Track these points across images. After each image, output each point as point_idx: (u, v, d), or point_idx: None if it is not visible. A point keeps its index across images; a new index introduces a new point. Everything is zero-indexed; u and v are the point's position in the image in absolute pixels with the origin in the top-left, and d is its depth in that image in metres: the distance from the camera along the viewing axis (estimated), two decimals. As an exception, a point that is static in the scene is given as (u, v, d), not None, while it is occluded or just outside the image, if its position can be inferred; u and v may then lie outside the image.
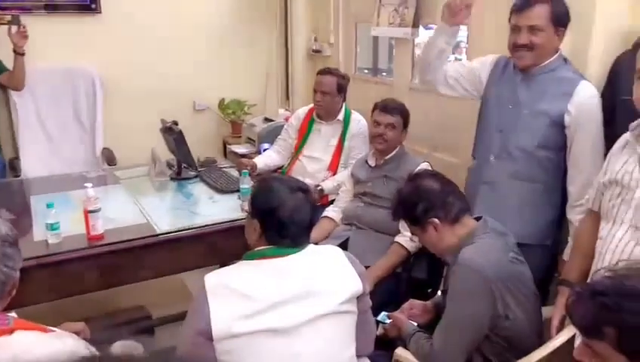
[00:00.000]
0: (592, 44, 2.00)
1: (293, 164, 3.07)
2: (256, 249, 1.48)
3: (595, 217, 1.57)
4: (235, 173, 2.96)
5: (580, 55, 2.02)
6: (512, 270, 1.60)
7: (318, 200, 2.83)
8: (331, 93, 2.94)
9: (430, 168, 2.39)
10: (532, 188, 1.94)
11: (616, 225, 1.44)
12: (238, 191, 2.58)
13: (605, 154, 1.78)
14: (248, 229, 1.52)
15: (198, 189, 2.77)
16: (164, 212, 2.48)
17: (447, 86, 2.20)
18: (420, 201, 1.68)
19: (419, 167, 2.36)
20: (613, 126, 1.86)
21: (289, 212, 1.43)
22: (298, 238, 1.46)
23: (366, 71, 3.93)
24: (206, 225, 2.31)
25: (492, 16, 2.46)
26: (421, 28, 3.11)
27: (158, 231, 2.23)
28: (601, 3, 1.96)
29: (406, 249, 2.29)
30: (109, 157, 3.59)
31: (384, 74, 3.75)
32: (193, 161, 2.90)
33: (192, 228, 2.28)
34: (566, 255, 1.87)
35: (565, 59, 1.93)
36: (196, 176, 2.89)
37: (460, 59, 3.37)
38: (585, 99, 1.83)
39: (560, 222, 2.01)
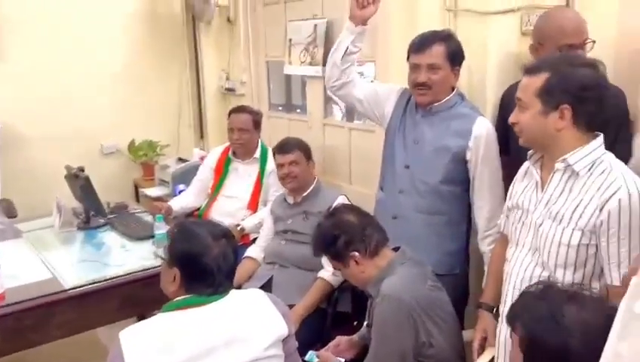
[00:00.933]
0: (488, 77, 2.14)
1: (211, 205, 3.01)
2: (175, 299, 1.41)
3: (505, 241, 1.64)
4: (148, 217, 2.84)
5: (479, 86, 2.16)
6: (432, 297, 1.65)
7: (238, 240, 2.78)
8: (248, 130, 2.94)
9: (347, 201, 2.42)
10: (438, 221, 2.02)
11: (519, 247, 1.51)
12: (152, 237, 2.47)
13: (504, 182, 1.91)
14: (166, 278, 1.45)
15: (109, 238, 2.62)
16: (71, 265, 2.32)
17: (358, 101, 2.21)
18: (339, 236, 1.70)
19: (336, 201, 2.38)
20: (508, 154, 1.99)
21: (213, 259, 1.38)
22: (221, 286, 1.41)
23: (280, 108, 3.97)
24: (119, 276, 2.18)
25: (398, 51, 2.57)
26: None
27: (66, 287, 2.07)
28: (492, 37, 2.11)
29: (329, 284, 2.28)
30: (8, 209, 3.31)
31: (298, 110, 3.80)
32: (102, 208, 2.75)
33: (103, 281, 2.14)
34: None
35: (462, 96, 2.04)
36: (106, 224, 2.74)
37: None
38: (483, 135, 1.93)
39: (467, 252, 2.10)
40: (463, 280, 2.09)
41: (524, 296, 1.14)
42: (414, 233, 2.00)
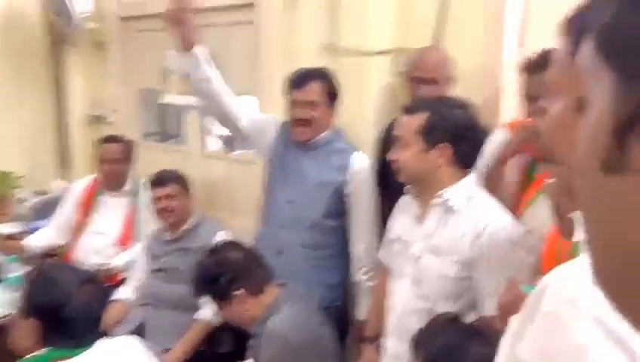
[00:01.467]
0: (365, 114, 2.23)
1: (75, 242, 2.73)
2: (32, 355, 1.23)
3: (387, 274, 1.67)
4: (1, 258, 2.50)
5: (357, 123, 2.23)
6: (318, 334, 1.63)
7: (107, 280, 2.55)
8: (120, 160, 2.76)
9: (228, 236, 2.34)
10: (321, 255, 2.04)
11: (400, 279, 1.56)
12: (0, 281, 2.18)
13: (382, 215, 1.97)
14: (20, 332, 1.27)
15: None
16: None
17: (240, 129, 2.14)
18: (222, 274, 1.62)
19: (217, 236, 2.29)
20: (387, 188, 2.07)
21: (77, 309, 1.24)
22: (86, 336, 1.26)
23: (154, 137, 3.78)
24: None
25: (280, 87, 2.58)
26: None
27: None
28: (369, 76, 2.20)
29: (209, 324, 2.17)
30: None
31: (174, 140, 3.65)
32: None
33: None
34: (359, 314, 2.00)
35: (339, 132, 2.09)
36: (-54, 267, 2.37)
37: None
38: (359, 169, 2.00)
39: (346, 283, 2.13)
40: (344, 312, 2.10)
41: (432, 325, 1.20)
42: (298, 268, 1.99)
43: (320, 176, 2.00)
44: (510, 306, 1.09)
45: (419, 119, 1.45)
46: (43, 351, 1.24)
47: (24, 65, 3.74)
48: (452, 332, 1.12)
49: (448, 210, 1.46)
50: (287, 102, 2.03)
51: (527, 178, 1.64)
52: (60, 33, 3.62)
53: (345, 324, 2.10)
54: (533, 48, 1.72)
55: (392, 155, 1.53)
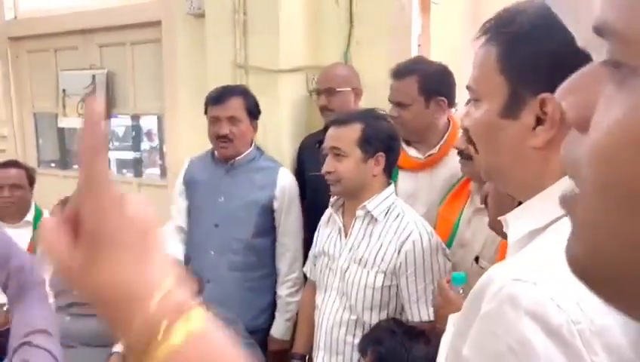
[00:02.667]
0: (282, 130, 2.23)
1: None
2: None
3: (314, 288, 1.68)
4: None
5: (274, 140, 2.23)
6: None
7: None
8: (22, 186, 2.54)
9: None
10: (252, 277, 2.00)
11: (327, 292, 1.56)
12: None
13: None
14: None
15: None
16: None
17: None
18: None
19: None
20: (304, 199, 2.09)
21: None
22: None
23: (53, 164, 3.53)
24: None
25: (188, 106, 2.53)
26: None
27: None
28: (282, 93, 2.21)
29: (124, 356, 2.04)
30: None
31: (76, 166, 3.43)
32: None
33: None
34: (275, 331, 1.97)
35: (260, 150, 2.08)
36: None
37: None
38: (287, 184, 1.99)
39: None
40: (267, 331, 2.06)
41: (377, 328, 1.27)
42: (228, 293, 1.93)
43: (246, 196, 1.96)
44: (444, 307, 1.14)
45: (354, 130, 1.48)
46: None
47: None
48: (397, 334, 1.16)
49: (371, 220, 1.50)
50: (208, 120, 1.99)
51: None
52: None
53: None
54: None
55: (328, 167, 1.52)
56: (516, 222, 0.67)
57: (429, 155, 1.75)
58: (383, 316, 1.47)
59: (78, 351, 2.08)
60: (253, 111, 2.00)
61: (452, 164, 1.63)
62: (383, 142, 1.49)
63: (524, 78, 0.63)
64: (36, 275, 1.28)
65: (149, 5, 2.75)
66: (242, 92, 2.00)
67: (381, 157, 1.50)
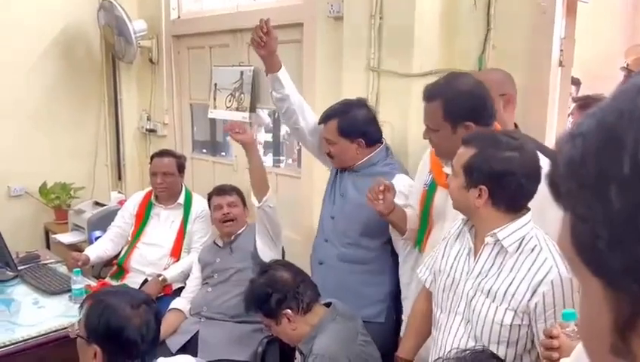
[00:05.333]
0: (409, 134, 2.26)
1: (130, 253, 2.88)
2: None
3: (428, 297, 1.62)
4: (63, 268, 2.67)
5: (401, 143, 2.27)
6: (364, 353, 1.68)
7: (161, 291, 2.68)
8: (172, 174, 2.88)
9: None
10: (359, 270, 2.10)
11: (451, 315, 1.48)
12: (69, 291, 2.33)
13: None
14: (85, 356, 1.37)
15: (20, 292, 2.42)
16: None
17: (312, 148, 2.32)
18: (272, 294, 1.70)
19: None
20: None
21: (135, 330, 1.32)
22: (146, 355, 1.36)
23: (204, 150, 3.93)
24: (31, 338, 2.02)
25: (324, 107, 2.65)
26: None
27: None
28: (413, 97, 2.24)
29: None
30: None
31: (223, 153, 3.78)
32: (12, 260, 2.55)
33: (12, 344, 1.97)
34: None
35: (386, 153, 2.14)
36: (16, 277, 2.54)
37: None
38: (400, 189, 1.95)
39: (395, 301, 2.13)
40: (389, 330, 2.12)
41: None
42: (339, 280, 2.07)
43: (359, 198, 2.03)
44: (558, 353, 1.07)
45: (466, 154, 1.39)
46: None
47: (84, 82, 3.96)
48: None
49: (501, 250, 1.38)
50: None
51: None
52: (116, 50, 3.82)
53: (392, 342, 2.07)
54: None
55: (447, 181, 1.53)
56: None
57: None
58: (511, 352, 1.38)
59: (217, 323, 2.34)
60: (351, 132, 2.07)
61: None
62: (487, 176, 1.36)
63: None
64: None
65: (293, 8, 2.92)
66: (341, 113, 2.10)
67: (483, 190, 1.36)
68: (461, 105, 1.61)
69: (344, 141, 2.07)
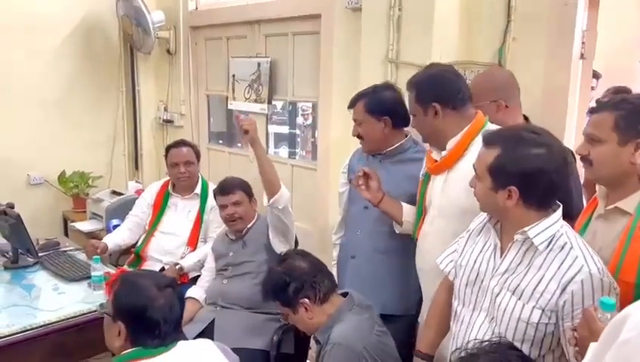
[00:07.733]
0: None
1: (148, 242, 2.91)
2: (123, 353, 1.37)
3: (450, 288, 1.59)
4: (82, 256, 2.71)
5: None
6: (380, 343, 1.69)
7: (178, 280, 2.71)
8: (194, 162, 2.91)
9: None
10: (394, 261, 2.08)
11: (476, 311, 1.44)
12: (88, 278, 2.37)
13: None
14: (110, 333, 1.41)
15: (40, 279, 2.47)
16: (-3, 310, 2.16)
17: None
18: (290, 283, 1.71)
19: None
20: None
21: (159, 311, 1.37)
22: (168, 336, 1.39)
23: (221, 141, 3.95)
24: (51, 323, 2.05)
25: (340, 96, 2.66)
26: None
27: (-8, 336, 1.94)
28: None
29: None
30: None
31: (239, 144, 3.80)
32: (33, 247, 2.60)
33: (33, 329, 2.01)
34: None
35: (415, 141, 2.12)
36: (37, 263, 2.59)
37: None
38: None
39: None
40: (414, 320, 2.09)
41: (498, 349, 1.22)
42: (372, 272, 2.06)
43: (394, 185, 2.03)
44: (590, 339, 1.02)
45: (491, 155, 1.35)
46: (131, 349, 1.37)
47: (102, 72, 4.01)
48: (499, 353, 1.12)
49: (531, 247, 1.35)
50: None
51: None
52: (134, 41, 3.85)
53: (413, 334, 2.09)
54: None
55: (471, 183, 1.49)
56: None
57: (442, 158, 1.78)
58: (535, 350, 1.35)
59: (233, 311, 2.35)
60: (377, 109, 2.05)
61: (465, 166, 1.63)
62: (516, 177, 1.32)
63: None
64: None
65: (310, -1, 2.92)
66: (367, 94, 2.08)
67: (513, 191, 1.32)
68: (426, 89, 1.77)
69: (370, 119, 2.05)
